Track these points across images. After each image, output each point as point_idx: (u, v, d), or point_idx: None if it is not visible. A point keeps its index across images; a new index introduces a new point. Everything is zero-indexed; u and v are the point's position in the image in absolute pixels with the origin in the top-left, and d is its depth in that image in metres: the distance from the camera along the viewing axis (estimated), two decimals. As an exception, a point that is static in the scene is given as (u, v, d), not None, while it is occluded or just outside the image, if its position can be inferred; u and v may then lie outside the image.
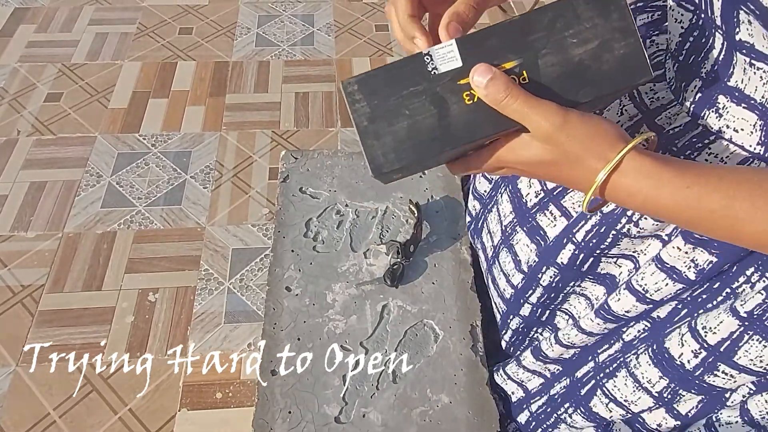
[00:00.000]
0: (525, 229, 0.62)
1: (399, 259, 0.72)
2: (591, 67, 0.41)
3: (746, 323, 0.45)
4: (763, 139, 0.43)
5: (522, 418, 0.68)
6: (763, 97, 0.42)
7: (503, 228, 0.66)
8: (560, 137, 0.40)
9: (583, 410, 0.60)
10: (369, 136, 0.42)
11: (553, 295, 0.62)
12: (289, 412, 0.61)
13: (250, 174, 1.87)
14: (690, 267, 0.48)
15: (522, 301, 0.65)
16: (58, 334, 1.46)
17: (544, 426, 0.65)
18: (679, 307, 0.52)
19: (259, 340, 0.68)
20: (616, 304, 0.54)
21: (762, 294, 0.44)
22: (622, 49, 0.41)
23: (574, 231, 0.56)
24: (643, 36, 0.55)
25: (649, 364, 0.52)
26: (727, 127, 0.45)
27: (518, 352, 0.71)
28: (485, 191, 0.74)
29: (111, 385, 1.38)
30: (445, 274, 0.74)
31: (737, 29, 0.41)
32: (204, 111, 2.05)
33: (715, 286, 0.49)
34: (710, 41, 0.44)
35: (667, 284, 0.50)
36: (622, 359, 0.56)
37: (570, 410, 0.61)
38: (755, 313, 0.45)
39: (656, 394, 0.53)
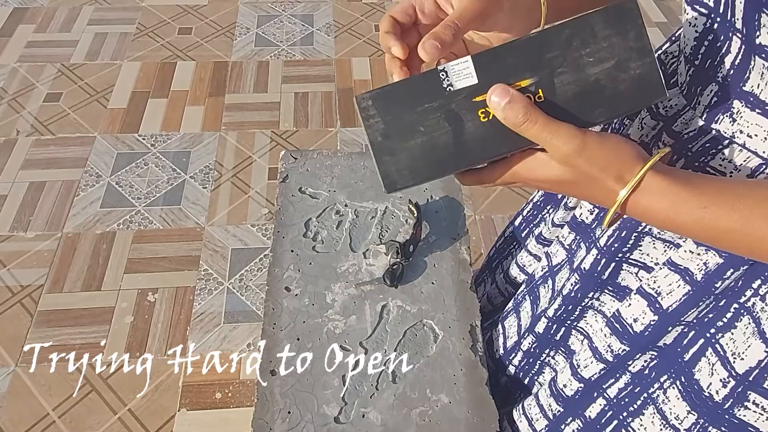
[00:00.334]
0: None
1: (398, 259, 0.72)
2: (607, 87, 0.41)
3: None
4: None
5: None
6: None
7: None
8: (579, 160, 0.40)
9: None
10: (383, 152, 0.41)
11: (570, 307, 0.61)
12: (289, 413, 0.61)
13: (249, 174, 1.87)
14: (702, 270, 0.48)
15: (540, 314, 0.65)
16: (58, 335, 1.46)
17: None
18: (686, 331, 0.51)
19: (258, 340, 0.67)
20: (626, 310, 0.54)
21: None
22: (638, 69, 0.41)
23: (598, 237, 0.57)
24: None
25: (678, 398, 0.51)
26: (741, 132, 0.45)
27: (524, 394, 0.69)
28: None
29: (110, 385, 1.38)
30: (444, 274, 0.74)
31: (758, 32, 0.40)
32: (203, 111, 2.05)
33: (720, 304, 0.48)
34: (726, 45, 0.44)
35: (679, 285, 0.49)
36: (647, 395, 0.54)
37: None
38: None
39: None
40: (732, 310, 0.47)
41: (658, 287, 0.51)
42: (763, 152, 0.44)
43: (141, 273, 1.60)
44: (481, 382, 0.65)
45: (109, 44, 2.29)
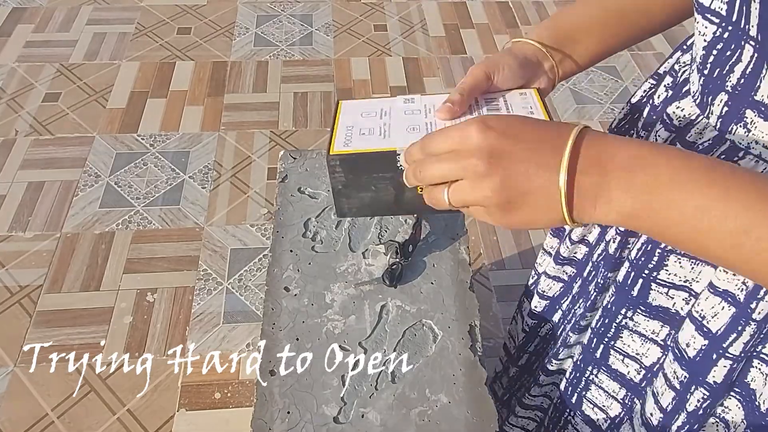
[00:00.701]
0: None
1: (398, 259, 0.72)
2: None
3: None
4: None
5: None
6: None
7: None
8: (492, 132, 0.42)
9: None
10: (341, 195, 0.54)
11: (607, 321, 0.61)
12: (288, 413, 0.61)
13: (248, 174, 1.87)
14: (742, 289, 0.47)
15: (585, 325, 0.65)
16: (57, 335, 1.46)
17: None
18: (735, 366, 0.50)
19: (257, 340, 0.67)
20: (681, 334, 0.53)
21: None
22: None
23: (630, 247, 0.57)
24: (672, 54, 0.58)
25: (738, 408, 0.51)
26: (756, 142, 0.44)
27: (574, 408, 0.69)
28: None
29: (109, 386, 1.38)
30: (443, 274, 0.74)
31: None
32: (202, 111, 2.05)
33: (764, 332, 0.47)
34: (737, 53, 0.43)
35: (723, 308, 0.48)
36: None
37: None
38: None
39: None
40: None
41: (702, 310, 0.50)
42: None
43: (140, 273, 1.60)
44: (480, 381, 0.65)
45: (108, 44, 2.28)
